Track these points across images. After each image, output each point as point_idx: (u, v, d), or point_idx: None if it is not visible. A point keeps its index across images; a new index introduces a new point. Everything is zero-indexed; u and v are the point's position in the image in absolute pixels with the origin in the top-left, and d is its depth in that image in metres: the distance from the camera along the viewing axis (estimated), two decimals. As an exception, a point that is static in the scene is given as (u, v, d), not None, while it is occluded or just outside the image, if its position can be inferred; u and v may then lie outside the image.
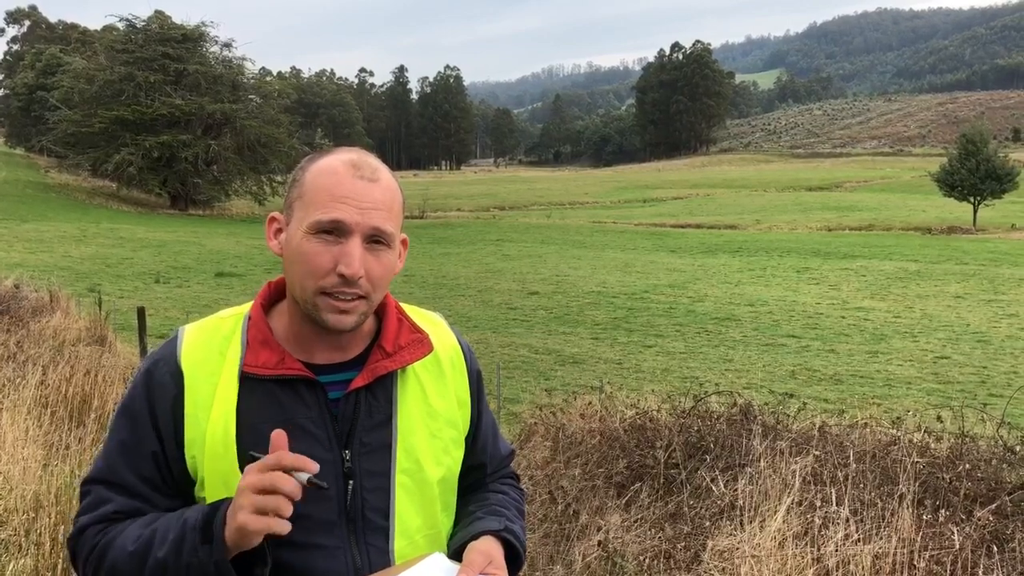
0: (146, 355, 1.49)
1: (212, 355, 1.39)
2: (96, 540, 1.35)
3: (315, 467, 1.23)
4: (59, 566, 3.54)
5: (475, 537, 1.44)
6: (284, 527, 1.21)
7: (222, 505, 1.28)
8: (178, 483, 1.38)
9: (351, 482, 1.38)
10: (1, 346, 7.59)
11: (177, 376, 1.38)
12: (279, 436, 1.24)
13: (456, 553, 1.43)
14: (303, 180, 1.38)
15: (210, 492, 1.35)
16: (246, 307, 1.47)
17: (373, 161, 1.39)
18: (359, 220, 1.33)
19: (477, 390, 1.57)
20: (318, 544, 1.35)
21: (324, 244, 1.33)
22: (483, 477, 1.61)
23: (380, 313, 1.49)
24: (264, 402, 1.36)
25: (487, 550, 1.40)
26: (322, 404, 1.38)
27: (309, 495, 1.26)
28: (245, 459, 1.29)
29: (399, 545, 1.41)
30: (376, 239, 1.35)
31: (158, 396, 1.37)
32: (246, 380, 1.37)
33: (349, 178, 1.35)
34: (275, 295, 1.48)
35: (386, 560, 1.39)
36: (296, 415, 1.37)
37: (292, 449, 1.30)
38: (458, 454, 1.51)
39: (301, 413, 1.37)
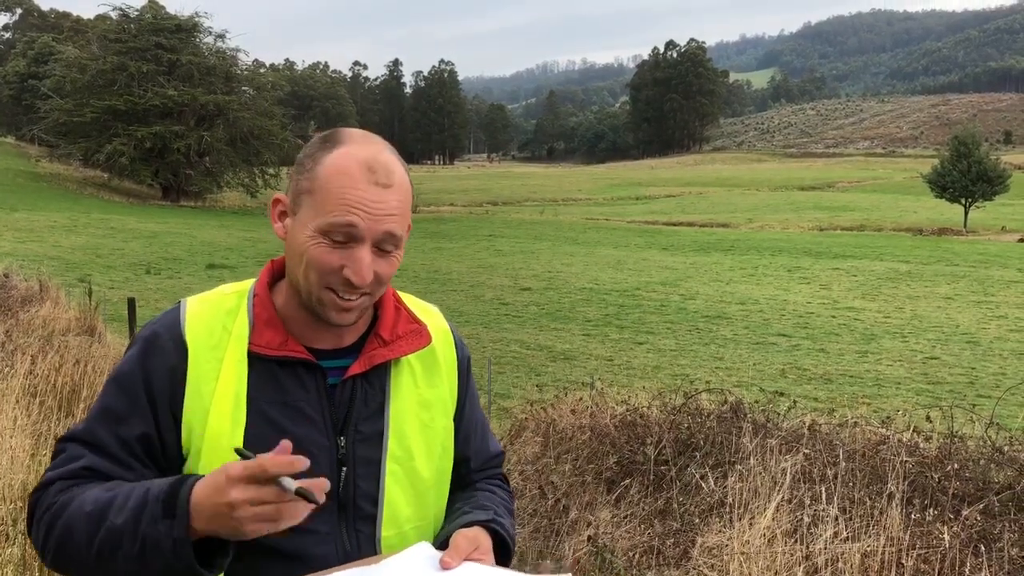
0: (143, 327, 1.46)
1: (217, 329, 1.37)
2: (56, 498, 1.30)
3: (304, 464, 1.17)
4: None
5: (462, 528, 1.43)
6: (283, 526, 1.19)
7: (188, 479, 1.23)
8: (166, 454, 1.34)
9: (344, 469, 1.37)
10: (-10, 335, 7.53)
11: (180, 345, 1.35)
12: (287, 445, 1.20)
13: (443, 546, 1.40)
14: (316, 173, 1.32)
15: (205, 468, 1.31)
16: (248, 283, 1.44)
17: (387, 158, 1.34)
18: (371, 226, 1.30)
19: (465, 377, 1.56)
20: (309, 529, 1.31)
21: (332, 246, 1.30)
22: (468, 473, 1.57)
23: (377, 301, 1.46)
24: (265, 381, 1.35)
25: (474, 536, 1.38)
26: (321, 389, 1.37)
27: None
28: (234, 451, 1.25)
29: (387, 535, 1.39)
30: (387, 243, 1.33)
31: (157, 363, 1.34)
32: (251, 359, 1.35)
33: (364, 183, 1.30)
34: (278, 273, 1.45)
35: (373, 548, 1.38)
36: (295, 397, 1.36)
37: (292, 432, 1.30)
38: (450, 445, 1.50)
39: (300, 396, 1.36)
